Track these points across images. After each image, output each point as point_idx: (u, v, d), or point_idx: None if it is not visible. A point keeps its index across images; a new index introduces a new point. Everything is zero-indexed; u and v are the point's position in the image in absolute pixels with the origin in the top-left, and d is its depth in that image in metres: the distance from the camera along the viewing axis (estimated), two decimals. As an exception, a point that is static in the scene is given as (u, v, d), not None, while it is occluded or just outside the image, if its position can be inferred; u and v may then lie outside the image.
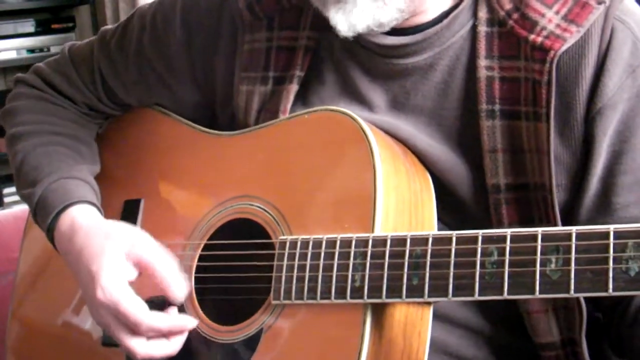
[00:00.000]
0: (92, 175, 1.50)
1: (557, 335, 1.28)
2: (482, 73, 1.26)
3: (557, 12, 1.24)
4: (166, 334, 1.30)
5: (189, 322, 1.31)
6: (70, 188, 1.42)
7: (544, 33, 1.23)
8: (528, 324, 1.29)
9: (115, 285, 1.27)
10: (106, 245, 1.31)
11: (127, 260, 1.30)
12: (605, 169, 1.25)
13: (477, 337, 1.33)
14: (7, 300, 1.70)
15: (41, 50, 4.52)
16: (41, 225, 1.44)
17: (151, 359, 1.29)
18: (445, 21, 1.28)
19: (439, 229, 1.28)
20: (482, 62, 1.26)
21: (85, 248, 1.33)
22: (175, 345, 1.31)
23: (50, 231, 1.41)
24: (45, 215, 1.41)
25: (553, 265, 1.07)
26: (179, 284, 1.30)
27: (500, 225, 1.26)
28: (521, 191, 1.26)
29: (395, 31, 1.29)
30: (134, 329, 1.27)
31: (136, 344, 1.28)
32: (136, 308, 1.26)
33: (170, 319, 1.30)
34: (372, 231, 1.19)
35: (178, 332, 1.31)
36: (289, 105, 1.37)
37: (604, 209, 1.25)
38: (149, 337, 1.29)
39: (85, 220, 1.38)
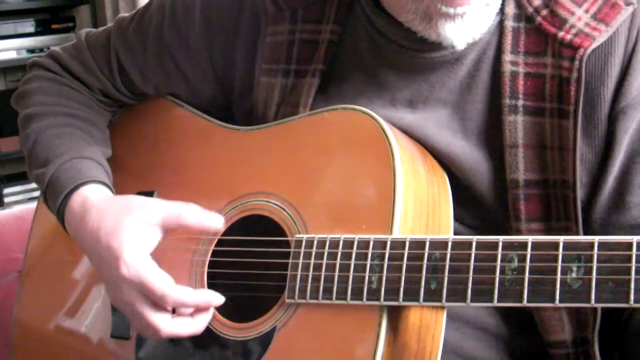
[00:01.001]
0: (104, 157, 1.48)
1: (569, 334, 1.27)
2: (507, 68, 1.26)
3: (586, 11, 1.25)
4: (192, 310, 1.28)
5: (215, 298, 1.29)
6: (81, 168, 1.40)
7: (573, 31, 1.24)
8: (539, 321, 1.28)
9: (139, 260, 1.24)
10: (124, 219, 1.28)
11: (149, 227, 1.28)
12: (622, 167, 1.25)
13: (489, 338, 1.32)
14: (8, 300, 1.68)
15: (41, 50, 4.51)
16: (51, 206, 1.42)
17: (175, 337, 1.28)
18: None
19: (456, 228, 1.28)
20: (507, 57, 1.27)
21: (101, 225, 1.30)
22: (200, 324, 1.28)
23: (60, 211, 1.39)
24: (56, 195, 1.39)
25: (574, 274, 1.06)
26: (212, 217, 1.30)
27: (518, 221, 1.26)
28: (540, 187, 1.26)
29: None
30: (160, 303, 1.24)
31: (161, 320, 1.25)
32: (163, 281, 1.23)
33: (196, 293, 1.27)
34: (390, 233, 1.18)
35: (204, 308, 1.29)
36: (309, 100, 1.36)
37: (617, 207, 1.25)
38: (173, 315, 1.27)
39: (97, 198, 1.36)
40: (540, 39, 1.26)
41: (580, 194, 1.24)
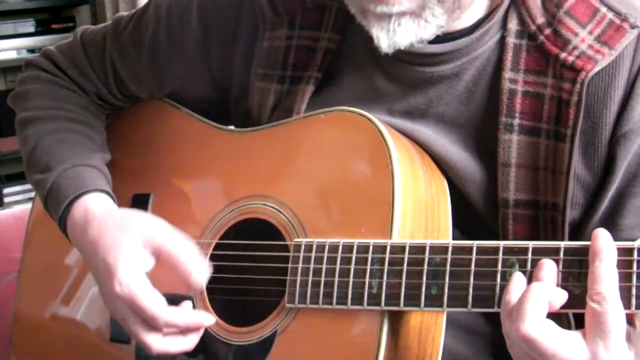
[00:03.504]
0: (104, 163, 1.48)
1: None
2: (505, 85, 1.25)
3: (590, 32, 1.23)
4: (183, 330, 1.28)
5: (207, 319, 1.29)
6: (84, 176, 1.40)
7: (576, 53, 1.22)
8: None
9: (133, 279, 1.25)
10: (123, 236, 1.29)
11: (145, 249, 1.28)
12: (617, 190, 1.24)
13: (487, 345, 1.32)
14: (8, 300, 1.68)
15: (41, 50, 4.49)
16: (52, 213, 1.41)
17: (166, 354, 1.28)
18: (476, 33, 1.27)
19: (452, 233, 1.27)
20: (507, 75, 1.25)
21: (100, 239, 1.30)
22: (190, 341, 1.29)
23: (62, 219, 1.39)
24: (57, 202, 1.38)
25: (575, 280, 1.05)
26: (200, 269, 1.27)
27: (506, 240, 1.24)
28: (530, 209, 1.25)
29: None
30: (151, 324, 1.25)
31: (152, 340, 1.27)
32: (154, 302, 1.24)
33: (187, 315, 1.28)
34: (390, 236, 1.17)
35: (194, 329, 1.29)
36: (303, 106, 1.35)
37: (609, 228, 1.22)
38: (165, 333, 1.27)
39: (99, 209, 1.36)
40: (542, 58, 1.24)
41: (573, 214, 1.24)
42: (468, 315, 1.30)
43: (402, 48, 1.23)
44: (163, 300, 1.25)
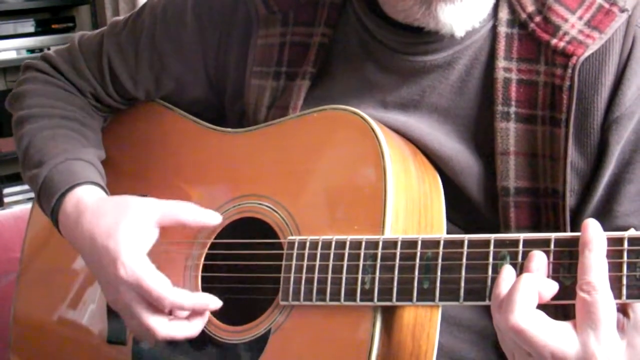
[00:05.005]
0: (98, 159, 1.48)
1: None
2: (500, 74, 1.25)
3: (580, 18, 1.24)
4: (188, 313, 1.28)
5: (212, 301, 1.29)
6: (75, 169, 1.40)
7: (567, 38, 1.22)
8: None
9: (137, 261, 1.25)
10: (119, 220, 1.29)
11: (145, 224, 1.29)
12: (612, 177, 1.25)
13: (484, 342, 1.32)
14: (7, 300, 1.68)
15: (41, 50, 4.51)
16: (45, 207, 1.42)
17: (171, 339, 1.28)
18: None
19: (448, 228, 1.27)
20: (500, 64, 1.26)
21: (97, 227, 1.30)
22: (195, 327, 1.29)
23: (54, 213, 1.39)
24: (49, 196, 1.39)
25: (566, 271, 1.06)
26: (210, 214, 1.32)
27: (507, 229, 1.25)
28: (530, 196, 1.25)
29: (415, 28, 1.28)
30: (157, 305, 1.25)
31: (157, 323, 1.26)
32: (160, 283, 1.24)
33: (193, 296, 1.28)
34: (382, 233, 1.18)
35: (200, 312, 1.29)
36: (299, 102, 1.36)
37: (604, 215, 1.24)
38: (170, 318, 1.27)
39: (91, 199, 1.36)
40: (534, 46, 1.25)
41: (570, 201, 1.24)
42: (472, 315, 1.30)
43: (470, 29, 1.24)
44: (168, 281, 1.25)
